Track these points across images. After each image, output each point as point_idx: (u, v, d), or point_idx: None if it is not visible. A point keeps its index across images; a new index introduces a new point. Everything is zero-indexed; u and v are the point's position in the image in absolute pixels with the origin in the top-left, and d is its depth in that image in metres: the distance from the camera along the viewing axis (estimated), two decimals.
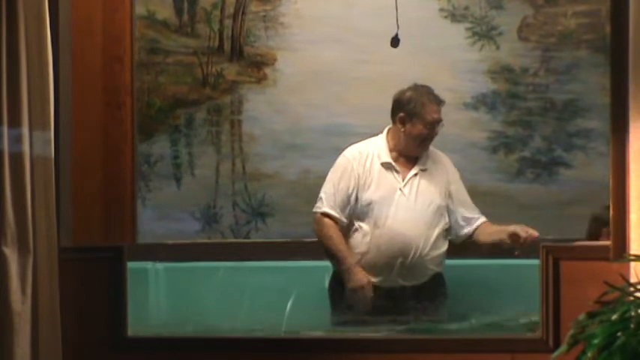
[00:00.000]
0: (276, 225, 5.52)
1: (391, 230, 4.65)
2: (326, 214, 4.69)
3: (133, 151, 5.20)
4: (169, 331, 4.81)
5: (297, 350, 4.27)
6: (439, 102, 4.71)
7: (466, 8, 5.48)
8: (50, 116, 3.99)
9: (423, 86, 4.76)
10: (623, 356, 2.84)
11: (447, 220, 4.72)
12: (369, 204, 4.68)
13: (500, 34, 5.46)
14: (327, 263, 4.95)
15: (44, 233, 3.96)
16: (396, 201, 4.68)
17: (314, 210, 4.72)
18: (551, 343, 4.00)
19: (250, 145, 5.56)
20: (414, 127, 4.68)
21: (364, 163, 4.72)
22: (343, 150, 4.83)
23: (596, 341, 2.87)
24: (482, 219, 4.75)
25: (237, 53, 5.57)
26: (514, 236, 4.55)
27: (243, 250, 5.46)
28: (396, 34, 5.33)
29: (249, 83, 5.56)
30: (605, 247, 3.87)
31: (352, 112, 5.44)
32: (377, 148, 4.74)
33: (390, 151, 4.72)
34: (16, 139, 3.91)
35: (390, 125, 4.76)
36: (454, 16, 5.48)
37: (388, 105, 4.87)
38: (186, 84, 5.59)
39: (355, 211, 4.70)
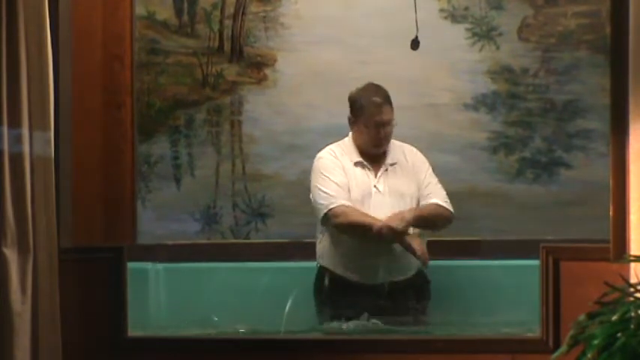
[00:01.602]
0: (276, 226, 5.52)
1: None
2: (343, 205, 4.69)
3: (133, 151, 5.20)
4: (169, 331, 4.81)
5: (297, 350, 4.27)
6: (382, 103, 4.69)
7: (466, 9, 5.48)
8: (50, 116, 3.99)
9: (372, 86, 4.78)
10: (623, 357, 2.84)
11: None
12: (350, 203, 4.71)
13: (500, 34, 5.46)
14: None
15: (44, 233, 3.95)
16: (372, 197, 4.72)
17: (330, 207, 4.67)
18: (551, 343, 4.00)
19: (250, 146, 5.56)
20: (360, 130, 4.74)
21: (341, 161, 4.76)
22: None
23: (596, 342, 2.87)
24: (434, 200, 4.74)
25: (237, 54, 5.57)
26: (410, 247, 4.62)
27: (243, 251, 5.47)
28: (416, 37, 5.35)
29: (249, 84, 5.56)
30: (605, 248, 3.87)
31: None
32: (346, 149, 4.79)
33: (358, 150, 4.78)
34: (16, 139, 3.91)
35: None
36: (454, 16, 5.48)
37: None
38: (186, 84, 5.59)
39: None
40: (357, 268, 4.71)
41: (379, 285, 4.70)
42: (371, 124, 4.70)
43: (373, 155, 4.77)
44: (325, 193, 4.72)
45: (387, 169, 4.76)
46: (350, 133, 4.84)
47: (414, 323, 4.68)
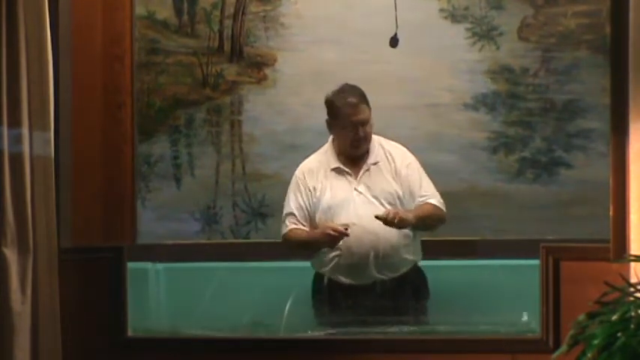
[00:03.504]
0: (276, 225, 5.49)
1: (355, 229, 4.65)
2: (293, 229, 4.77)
3: (133, 151, 5.20)
4: (169, 331, 4.82)
5: (297, 350, 4.27)
6: (358, 103, 4.68)
7: (466, 9, 5.47)
8: (50, 116, 3.99)
9: (347, 87, 4.77)
10: (623, 357, 2.84)
11: (408, 206, 4.74)
12: (328, 210, 4.72)
13: (500, 34, 5.46)
14: None
15: (44, 233, 3.96)
16: (354, 200, 4.71)
17: (283, 232, 4.77)
18: (551, 343, 4.00)
19: (250, 146, 5.56)
20: (338, 132, 4.74)
21: (316, 175, 4.77)
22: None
23: (596, 342, 2.87)
24: (431, 201, 4.74)
25: (237, 54, 5.57)
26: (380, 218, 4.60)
27: (243, 251, 5.47)
28: (395, 34, 5.34)
29: (249, 84, 5.56)
30: (605, 248, 3.87)
31: None
32: (325, 157, 4.80)
33: (338, 155, 4.77)
34: (16, 139, 3.92)
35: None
36: (454, 16, 5.48)
37: (388, 105, 4.88)
38: (186, 84, 5.59)
39: (319, 221, 4.73)
40: (346, 270, 4.72)
41: (370, 285, 4.70)
42: (348, 124, 4.68)
43: (353, 157, 4.76)
44: (285, 212, 4.79)
45: (368, 169, 4.75)
46: (330, 138, 4.83)
47: (414, 323, 4.68)
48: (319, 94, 5.31)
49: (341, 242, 4.65)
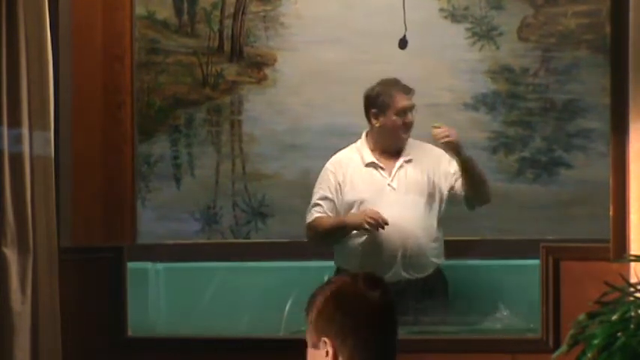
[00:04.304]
0: (276, 225, 5.51)
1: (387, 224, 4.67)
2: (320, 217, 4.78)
3: (133, 151, 5.20)
4: (169, 331, 4.82)
5: (297, 350, 4.26)
6: (408, 91, 4.79)
7: (466, 8, 5.47)
8: (50, 116, 3.99)
9: (389, 79, 4.85)
10: (623, 357, 2.84)
11: (440, 206, 4.76)
12: (360, 204, 4.73)
13: (500, 34, 5.46)
14: (326, 263, 4.95)
15: (44, 233, 3.96)
16: (386, 196, 4.73)
17: (307, 221, 4.79)
18: (551, 343, 4.00)
19: (250, 146, 5.56)
20: (388, 119, 4.76)
21: (346, 169, 4.79)
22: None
23: (596, 342, 2.87)
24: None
25: (237, 53, 5.57)
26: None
27: (243, 251, 5.47)
28: (404, 36, 5.36)
29: (249, 83, 5.56)
30: (605, 247, 3.87)
31: (352, 112, 5.43)
32: (359, 151, 4.83)
33: (372, 151, 4.81)
34: (16, 139, 3.92)
35: (368, 128, 4.84)
36: (454, 16, 5.48)
37: None
38: (186, 84, 5.59)
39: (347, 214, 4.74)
40: (373, 267, 4.71)
41: (395, 283, 4.70)
42: (400, 110, 4.75)
43: (389, 152, 4.80)
44: (312, 203, 4.80)
45: (401, 166, 4.78)
46: (364, 134, 4.85)
47: (432, 323, 4.68)
48: (319, 94, 5.33)
49: (366, 238, 4.65)
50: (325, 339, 2.77)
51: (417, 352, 4.14)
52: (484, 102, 5.46)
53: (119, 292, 4.25)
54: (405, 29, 5.35)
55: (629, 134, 3.81)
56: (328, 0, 5.54)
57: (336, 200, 4.78)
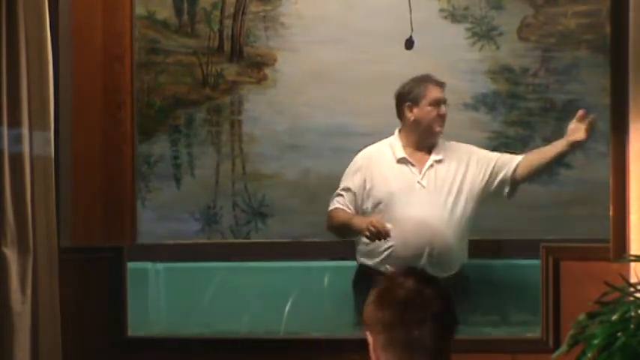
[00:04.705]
0: (276, 225, 5.51)
1: (414, 221, 4.69)
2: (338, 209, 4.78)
3: (133, 151, 5.19)
4: (169, 331, 4.82)
5: (297, 350, 4.27)
6: (440, 84, 4.85)
7: (466, 8, 5.47)
8: (50, 116, 3.99)
9: (420, 75, 4.89)
10: (623, 357, 2.84)
11: (466, 205, 4.77)
12: (387, 200, 4.74)
13: (500, 34, 5.46)
14: (326, 263, 4.96)
15: (44, 233, 3.96)
16: (416, 193, 4.75)
17: (329, 209, 4.78)
18: (551, 343, 4.00)
19: (250, 146, 5.56)
20: (422, 110, 4.79)
21: (376, 163, 4.81)
22: (344, 150, 4.85)
23: (596, 342, 2.87)
24: (519, 158, 4.85)
25: (237, 53, 5.57)
26: (575, 144, 4.72)
27: (243, 251, 5.46)
28: (410, 37, 5.37)
29: (249, 84, 5.56)
30: (605, 247, 3.87)
31: (352, 112, 5.45)
32: (391, 147, 4.84)
33: (404, 147, 4.82)
34: (16, 139, 3.91)
35: (400, 126, 4.85)
36: (454, 16, 5.48)
37: (388, 105, 4.87)
38: (186, 84, 5.59)
39: (374, 210, 4.74)
40: (398, 264, 4.71)
41: None
42: (434, 102, 4.79)
43: (420, 150, 4.82)
44: (337, 192, 4.80)
45: (432, 165, 4.80)
46: (396, 131, 4.86)
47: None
48: (319, 94, 5.33)
49: (393, 234, 4.63)
50: (367, 332, 2.70)
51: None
52: (484, 102, 5.46)
53: (119, 292, 4.25)
54: (412, 30, 5.35)
55: (629, 134, 3.81)
56: (328, 0, 5.54)
57: (358, 193, 4.78)
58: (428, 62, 5.43)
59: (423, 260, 4.69)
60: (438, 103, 4.80)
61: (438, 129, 4.81)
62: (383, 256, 4.73)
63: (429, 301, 2.65)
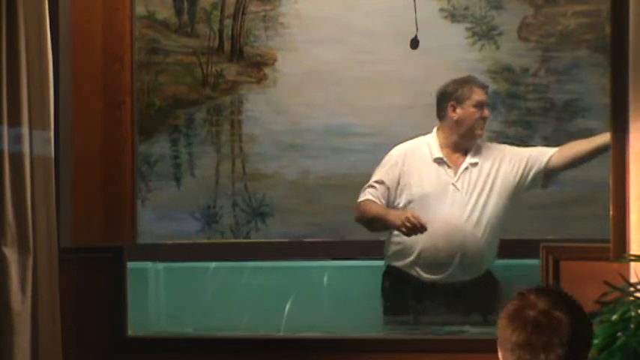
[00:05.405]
0: (276, 225, 5.51)
1: (447, 226, 4.69)
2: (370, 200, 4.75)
3: (133, 151, 5.20)
4: (169, 331, 4.82)
5: (297, 350, 4.27)
6: (484, 86, 4.86)
7: (466, 8, 5.47)
8: (50, 116, 3.99)
9: (463, 77, 4.91)
10: (623, 356, 2.84)
11: (499, 205, 4.76)
12: (420, 200, 4.73)
13: (500, 34, 5.46)
14: (326, 263, 4.95)
15: (44, 233, 3.96)
16: (449, 195, 4.74)
17: (358, 200, 4.75)
18: None
19: (250, 145, 5.56)
20: (466, 110, 4.78)
21: (412, 161, 4.79)
22: (344, 150, 4.84)
23: (596, 341, 2.87)
24: (552, 150, 4.85)
25: (237, 53, 5.57)
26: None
27: (243, 250, 5.47)
28: (415, 36, 5.37)
29: (249, 83, 5.56)
30: (605, 247, 3.87)
31: (352, 112, 5.44)
32: (428, 145, 4.82)
33: (441, 147, 4.80)
34: (16, 139, 3.92)
35: (438, 125, 4.84)
36: (454, 16, 5.48)
37: (388, 105, 4.88)
38: (186, 84, 5.58)
39: (405, 208, 4.73)
40: (428, 266, 4.71)
41: (451, 284, 4.70)
42: (477, 103, 4.78)
43: (457, 152, 4.80)
44: (368, 184, 4.77)
45: (467, 168, 4.78)
46: (434, 129, 4.84)
47: (483, 324, 4.67)
48: (319, 94, 5.32)
49: (425, 235, 4.62)
50: (498, 345, 2.68)
51: (418, 352, 4.15)
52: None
53: (119, 292, 4.25)
54: (417, 29, 5.35)
55: (629, 134, 3.81)
56: (328, 0, 5.54)
57: (392, 188, 4.75)
58: (428, 62, 5.43)
59: (454, 263, 4.69)
60: (482, 105, 4.79)
61: (479, 132, 4.81)
62: (412, 257, 4.73)
63: (558, 325, 2.56)
